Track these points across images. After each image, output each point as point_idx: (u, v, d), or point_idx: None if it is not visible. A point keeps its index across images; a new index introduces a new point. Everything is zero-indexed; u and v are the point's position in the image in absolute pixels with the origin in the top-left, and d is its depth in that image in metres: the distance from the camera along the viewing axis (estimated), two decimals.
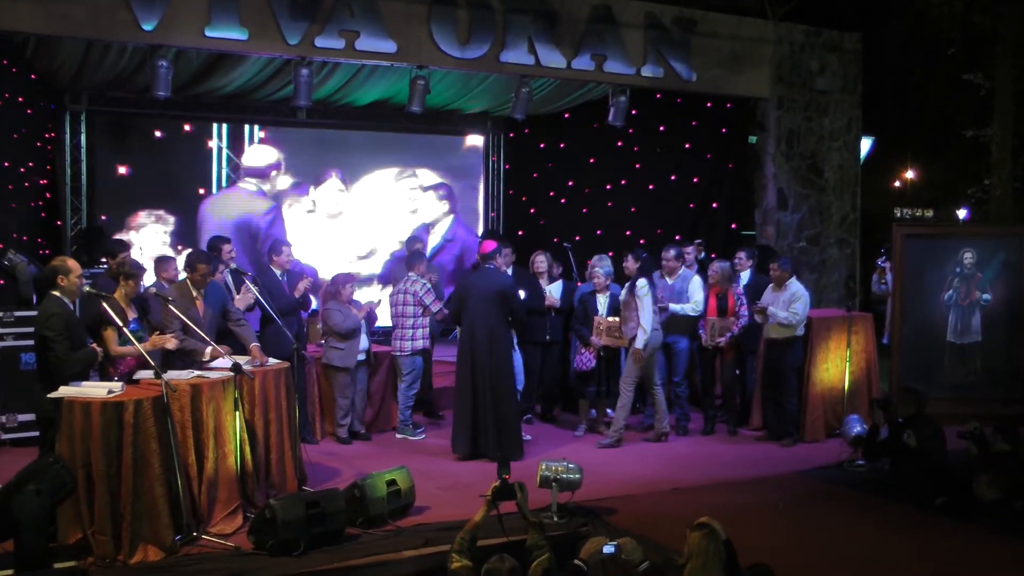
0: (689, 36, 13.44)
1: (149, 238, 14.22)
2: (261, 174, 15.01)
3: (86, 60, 12.14)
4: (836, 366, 11.61)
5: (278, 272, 10.89)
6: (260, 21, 10.99)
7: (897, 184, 29.99)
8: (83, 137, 13.95)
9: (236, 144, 14.81)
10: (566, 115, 15.56)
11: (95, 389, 7.41)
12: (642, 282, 10.86)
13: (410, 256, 11.67)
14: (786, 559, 5.98)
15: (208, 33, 10.79)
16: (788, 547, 7.57)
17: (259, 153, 15.05)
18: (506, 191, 16.83)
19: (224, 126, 14.69)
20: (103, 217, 14.00)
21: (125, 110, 14.02)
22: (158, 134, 14.35)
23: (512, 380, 10.65)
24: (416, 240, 12.28)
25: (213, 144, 14.67)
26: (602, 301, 11.46)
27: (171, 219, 14.50)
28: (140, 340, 8.13)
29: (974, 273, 12.07)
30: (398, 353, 11.26)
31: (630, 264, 11.08)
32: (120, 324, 7.91)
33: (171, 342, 8.37)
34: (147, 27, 10.47)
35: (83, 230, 13.63)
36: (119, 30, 10.53)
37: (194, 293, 8.97)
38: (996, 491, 8.81)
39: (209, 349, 8.58)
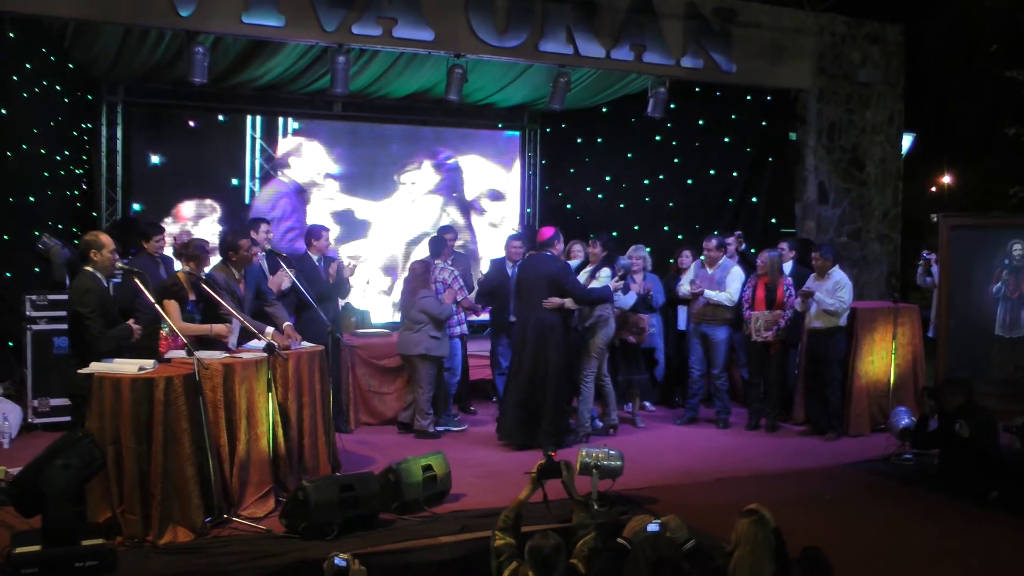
0: (729, 27, 13.23)
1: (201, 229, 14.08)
2: (296, 166, 14.86)
3: (123, 48, 12.04)
4: (881, 359, 11.37)
5: (315, 257, 10.77)
6: (297, 7, 10.87)
7: (934, 189, 29.66)
8: (119, 128, 13.88)
9: (270, 136, 14.67)
10: (603, 109, 15.36)
11: (126, 366, 7.29)
12: (605, 271, 10.70)
13: (434, 244, 11.48)
14: (835, 552, 5.76)
15: (245, 19, 10.68)
16: (836, 539, 7.27)
17: (295, 145, 14.90)
18: (542, 186, 16.65)
19: (258, 118, 14.54)
20: (134, 207, 13.89)
21: (161, 101, 13.93)
22: (192, 124, 14.21)
23: (565, 367, 10.40)
24: (447, 230, 12.09)
25: (247, 135, 14.52)
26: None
27: (217, 207, 14.37)
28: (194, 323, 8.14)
29: (1023, 265, 11.77)
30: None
31: (596, 250, 10.93)
32: (152, 301, 7.77)
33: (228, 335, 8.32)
34: (184, 13, 10.37)
35: (117, 220, 13.55)
36: (156, 15, 10.44)
37: (236, 275, 8.84)
38: None
39: (270, 330, 8.46)
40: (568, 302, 10.30)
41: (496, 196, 16.43)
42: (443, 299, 10.74)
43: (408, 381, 11.09)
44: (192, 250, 8.50)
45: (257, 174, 14.55)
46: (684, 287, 11.62)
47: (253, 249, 9.34)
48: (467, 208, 16.21)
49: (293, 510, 7.25)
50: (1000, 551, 7.57)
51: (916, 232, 14.84)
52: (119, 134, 13.90)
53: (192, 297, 8.27)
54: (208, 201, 14.30)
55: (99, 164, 13.74)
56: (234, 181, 14.50)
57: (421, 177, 15.78)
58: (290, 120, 14.75)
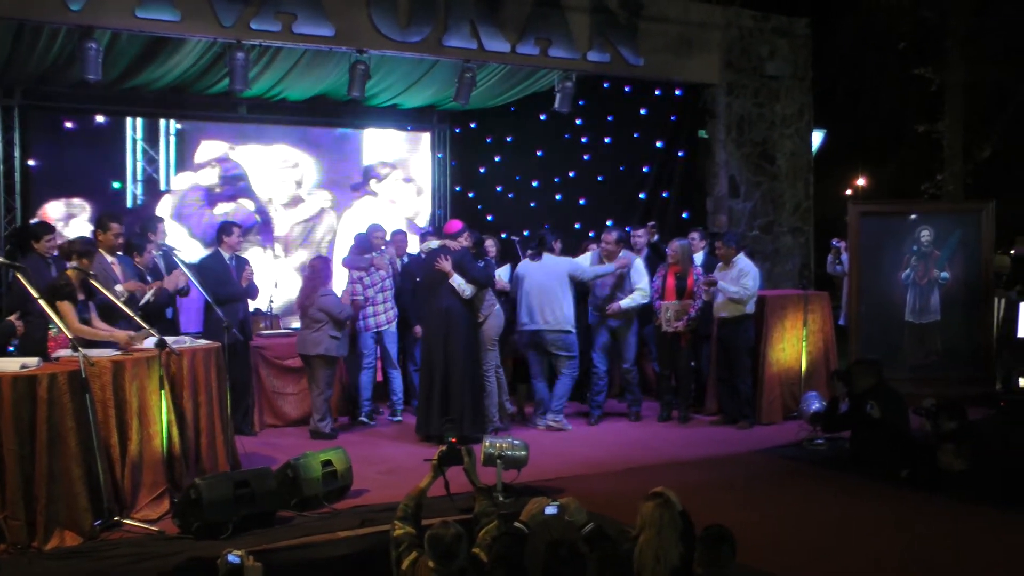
0: (636, 20, 13.13)
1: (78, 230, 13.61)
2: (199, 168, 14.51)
3: (16, 48, 11.67)
4: (792, 346, 11.38)
5: (227, 255, 10.51)
6: (193, 2, 10.59)
7: (849, 192, 29.98)
8: (16, 133, 13.45)
9: (151, 137, 14.25)
10: (512, 108, 15.22)
11: (7, 363, 6.99)
12: (506, 268, 10.73)
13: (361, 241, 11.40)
14: (748, 533, 5.68)
15: (139, 14, 10.36)
16: (750, 522, 7.21)
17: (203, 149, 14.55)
18: (452, 187, 16.48)
19: (139, 120, 14.10)
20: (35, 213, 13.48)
21: (59, 104, 13.53)
22: (70, 127, 13.71)
23: (471, 356, 10.31)
24: (376, 228, 11.89)
25: (128, 137, 14.07)
26: None
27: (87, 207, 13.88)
28: (86, 321, 7.86)
29: (932, 251, 11.83)
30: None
31: (491, 246, 11.05)
32: (36, 296, 7.47)
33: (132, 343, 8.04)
34: (75, 7, 10.04)
35: (16, 228, 13.14)
36: (46, 10, 10.12)
37: (110, 258, 8.57)
38: (962, 461, 8.57)
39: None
40: (459, 283, 10.16)
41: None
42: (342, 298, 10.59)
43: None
44: (79, 246, 8.23)
45: (139, 176, 14.13)
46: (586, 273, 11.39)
47: (120, 238, 9.06)
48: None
49: (185, 509, 7.02)
50: (912, 526, 7.59)
51: (830, 232, 14.86)
52: (16, 139, 13.48)
53: (81, 296, 7.98)
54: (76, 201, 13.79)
55: None
56: (115, 184, 14.06)
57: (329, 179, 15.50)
58: (171, 122, 14.32)
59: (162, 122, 14.19)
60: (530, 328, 10.87)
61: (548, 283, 10.80)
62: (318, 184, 15.22)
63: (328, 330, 10.32)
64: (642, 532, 5.63)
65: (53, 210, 13.30)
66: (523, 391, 11.60)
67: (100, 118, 13.84)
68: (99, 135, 13.87)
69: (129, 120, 14.01)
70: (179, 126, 14.28)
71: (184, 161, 14.33)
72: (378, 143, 15.77)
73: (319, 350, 10.34)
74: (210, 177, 14.47)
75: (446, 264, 10.16)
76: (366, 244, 11.28)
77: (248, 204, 14.72)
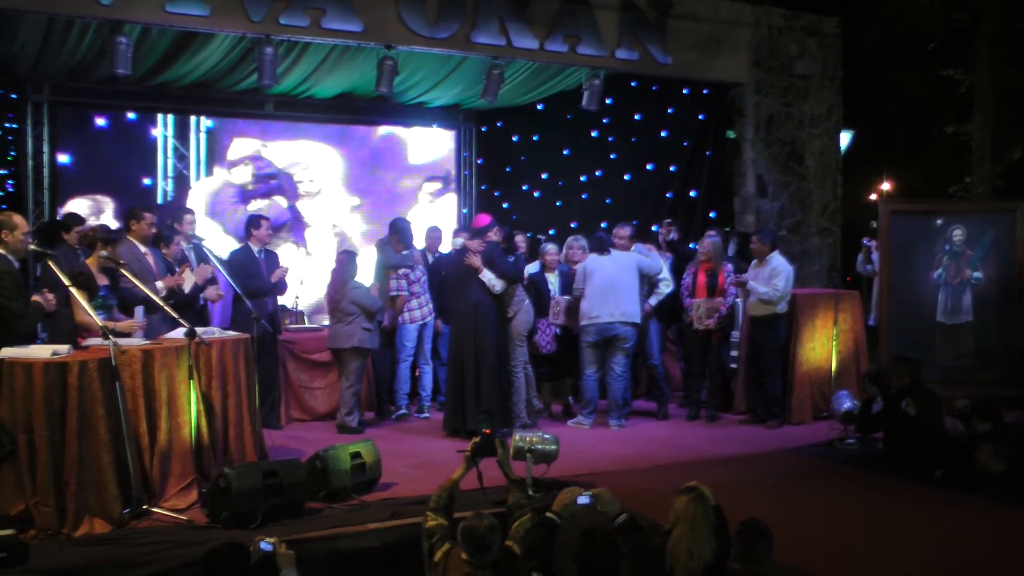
0: (665, 19, 13.15)
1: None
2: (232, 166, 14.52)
3: (47, 43, 11.70)
4: (823, 345, 11.28)
5: (256, 248, 10.50)
6: None
7: (873, 197, 29.78)
8: (45, 129, 13.48)
9: (182, 133, 14.25)
10: (539, 106, 15.18)
11: (38, 350, 6.99)
12: (534, 265, 10.81)
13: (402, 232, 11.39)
14: (780, 531, 5.60)
15: (169, 8, 10.44)
16: (781, 520, 7.05)
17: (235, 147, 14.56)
18: (478, 186, 16.44)
19: (170, 117, 14.13)
20: (59, 209, 13.50)
21: (87, 100, 13.55)
22: (98, 123, 13.73)
23: (500, 351, 10.29)
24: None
25: (159, 133, 14.08)
26: (552, 280, 11.32)
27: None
28: (109, 308, 7.86)
29: (964, 251, 11.70)
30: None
31: (520, 242, 11.05)
32: (68, 283, 7.48)
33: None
34: (105, 1, 10.11)
35: (44, 223, 13.16)
36: (76, 4, 10.17)
37: (143, 248, 8.57)
38: (1000, 463, 8.45)
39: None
40: (489, 278, 10.14)
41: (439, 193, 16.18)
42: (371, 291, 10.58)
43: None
44: (103, 233, 8.29)
45: (170, 173, 14.13)
46: None
47: (154, 228, 9.07)
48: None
49: (214, 499, 6.98)
50: (946, 526, 7.50)
51: (856, 237, 14.77)
52: (45, 135, 13.51)
53: (105, 282, 7.98)
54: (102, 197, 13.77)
55: (26, 166, 13.35)
56: (146, 181, 14.07)
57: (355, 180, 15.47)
58: (203, 119, 14.33)
59: (192, 119, 14.20)
60: (602, 322, 10.66)
61: (620, 276, 10.69)
62: (346, 182, 15.19)
63: (361, 322, 10.29)
64: (675, 526, 5.56)
65: (79, 206, 13.26)
66: (548, 389, 11.53)
67: (130, 114, 13.84)
68: (129, 131, 13.89)
69: (160, 116, 14.02)
70: (209, 123, 14.28)
71: (216, 158, 14.34)
72: (406, 141, 15.73)
73: (353, 342, 10.30)
74: (243, 175, 14.48)
75: (476, 259, 10.12)
76: (408, 239, 11.26)
77: (281, 201, 14.71)
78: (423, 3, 11.66)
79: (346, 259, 10.69)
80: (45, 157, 13.38)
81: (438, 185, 16.03)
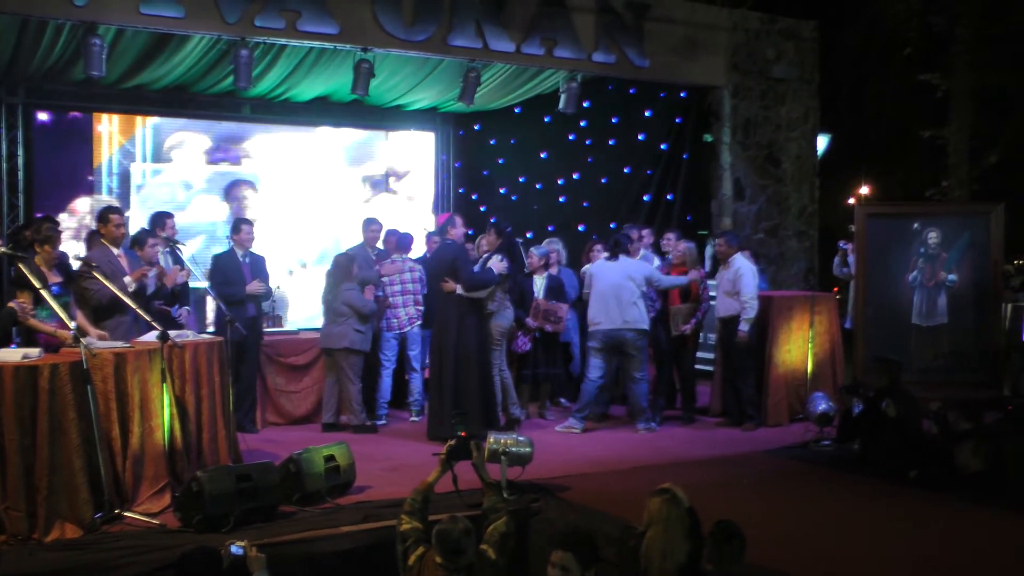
0: (642, 21, 13.13)
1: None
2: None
3: (20, 44, 11.63)
4: (799, 347, 11.29)
5: (240, 252, 10.45)
6: None
7: (851, 201, 29.85)
8: (20, 132, 13.41)
9: (155, 136, 14.13)
10: (516, 110, 15.18)
11: (9, 354, 6.94)
12: (496, 257, 10.57)
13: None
14: (756, 532, 5.60)
15: (143, 10, 10.38)
16: (757, 521, 7.10)
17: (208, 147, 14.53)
18: (456, 189, 16.41)
19: (114, 117, 14.01)
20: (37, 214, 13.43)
21: (62, 103, 13.50)
22: (71, 125, 13.69)
23: (477, 352, 10.24)
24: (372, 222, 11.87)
25: (102, 131, 13.93)
26: (538, 283, 11.25)
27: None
28: (64, 306, 7.76)
29: (939, 253, 11.70)
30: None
31: (491, 237, 10.82)
32: (38, 286, 7.44)
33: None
34: (79, 3, 10.05)
35: (18, 227, 13.09)
36: (50, 6, 10.11)
37: (116, 251, 8.53)
38: (980, 461, 8.45)
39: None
40: (459, 287, 10.15)
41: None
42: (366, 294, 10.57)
43: (326, 378, 10.77)
44: (44, 232, 8.31)
45: (114, 170, 14.02)
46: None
47: (122, 229, 8.99)
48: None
49: (187, 502, 6.93)
50: (922, 524, 7.54)
51: (835, 238, 14.79)
52: (20, 137, 13.43)
53: (58, 280, 7.95)
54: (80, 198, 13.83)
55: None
56: (111, 182, 13.98)
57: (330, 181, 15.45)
58: (171, 120, 14.23)
59: (162, 120, 14.15)
60: (607, 327, 10.58)
61: (626, 283, 10.53)
62: (323, 185, 15.15)
63: (352, 323, 10.34)
64: (649, 528, 5.57)
65: (54, 208, 13.21)
66: (526, 392, 11.48)
67: (104, 116, 13.77)
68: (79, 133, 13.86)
69: (138, 119, 14.02)
70: (182, 124, 14.23)
71: (188, 158, 14.31)
72: (383, 145, 15.70)
73: (344, 343, 10.35)
74: (217, 175, 14.46)
75: (450, 285, 10.14)
76: (405, 243, 11.40)
77: (254, 202, 14.67)
78: (399, 5, 11.63)
79: (342, 260, 10.73)
80: (20, 160, 13.31)
81: (412, 188, 15.99)
